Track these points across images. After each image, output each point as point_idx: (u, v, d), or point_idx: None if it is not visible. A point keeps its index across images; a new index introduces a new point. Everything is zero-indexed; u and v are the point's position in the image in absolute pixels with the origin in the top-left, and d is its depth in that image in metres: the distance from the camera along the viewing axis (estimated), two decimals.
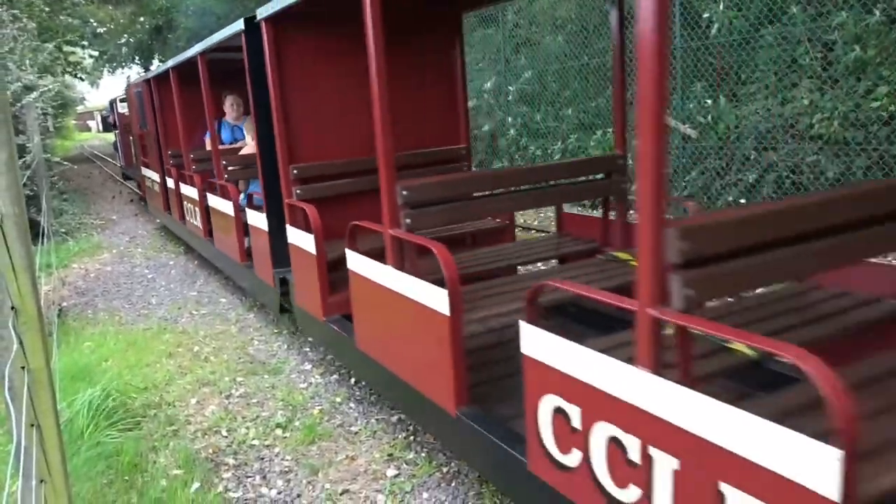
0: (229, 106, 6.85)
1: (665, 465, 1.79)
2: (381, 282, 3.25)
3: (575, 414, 2.11)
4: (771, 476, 1.50)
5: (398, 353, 3.26)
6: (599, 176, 4.07)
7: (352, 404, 4.18)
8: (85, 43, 21.71)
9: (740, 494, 1.58)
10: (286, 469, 3.51)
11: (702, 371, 2.10)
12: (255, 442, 3.82)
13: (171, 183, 8.44)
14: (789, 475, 1.46)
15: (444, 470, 3.35)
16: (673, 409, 1.74)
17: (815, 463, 1.40)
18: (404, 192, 3.13)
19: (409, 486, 3.24)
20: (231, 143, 6.83)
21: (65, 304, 6.86)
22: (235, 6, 18.35)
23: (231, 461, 3.63)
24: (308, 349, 5.17)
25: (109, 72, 29.25)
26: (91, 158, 28.14)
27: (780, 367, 2.66)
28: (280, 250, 4.73)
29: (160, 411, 4.24)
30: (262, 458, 3.64)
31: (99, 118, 48.98)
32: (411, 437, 3.69)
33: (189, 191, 7.43)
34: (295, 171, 4.36)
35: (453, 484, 3.24)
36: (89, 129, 61.42)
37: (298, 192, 4.36)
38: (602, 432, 2.02)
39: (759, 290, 3.02)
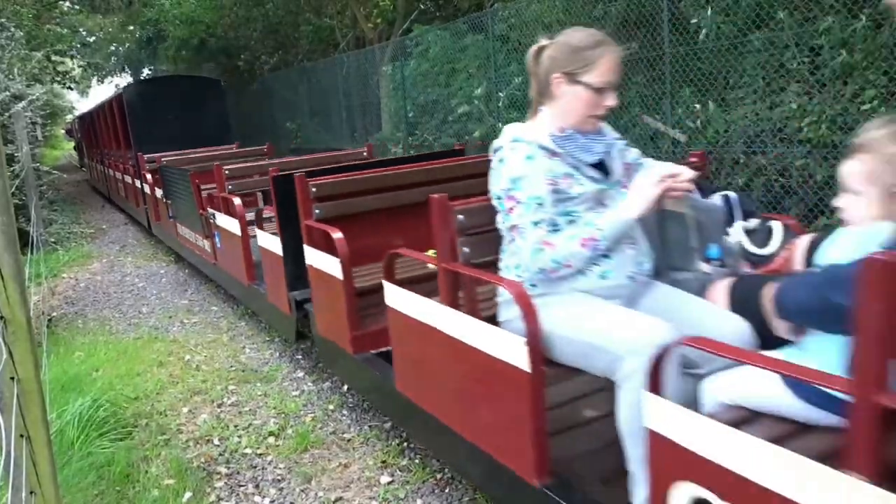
0: None
1: None
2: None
3: None
4: None
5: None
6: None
7: (345, 411, 4.17)
8: (73, 53, 21.62)
9: None
10: (279, 477, 3.49)
11: None
12: (248, 450, 3.79)
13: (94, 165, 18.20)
14: None
15: (438, 476, 3.34)
16: None
17: None
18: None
19: (402, 493, 3.23)
20: None
21: (55, 313, 6.81)
22: (224, 14, 18.36)
23: (223, 470, 3.61)
24: (300, 357, 5.15)
25: (99, 81, 29.22)
26: (79, 167, 28.02)
27: None
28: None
29: (151, 420, 4.21)
30: (255, 467, 3.62)
31: None
32: (405, 444, 3.68)
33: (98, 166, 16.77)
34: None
35: (447, 490, 3.23)
36: None
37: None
38: None
39: None
